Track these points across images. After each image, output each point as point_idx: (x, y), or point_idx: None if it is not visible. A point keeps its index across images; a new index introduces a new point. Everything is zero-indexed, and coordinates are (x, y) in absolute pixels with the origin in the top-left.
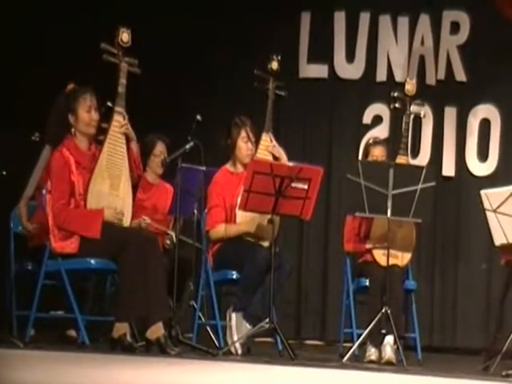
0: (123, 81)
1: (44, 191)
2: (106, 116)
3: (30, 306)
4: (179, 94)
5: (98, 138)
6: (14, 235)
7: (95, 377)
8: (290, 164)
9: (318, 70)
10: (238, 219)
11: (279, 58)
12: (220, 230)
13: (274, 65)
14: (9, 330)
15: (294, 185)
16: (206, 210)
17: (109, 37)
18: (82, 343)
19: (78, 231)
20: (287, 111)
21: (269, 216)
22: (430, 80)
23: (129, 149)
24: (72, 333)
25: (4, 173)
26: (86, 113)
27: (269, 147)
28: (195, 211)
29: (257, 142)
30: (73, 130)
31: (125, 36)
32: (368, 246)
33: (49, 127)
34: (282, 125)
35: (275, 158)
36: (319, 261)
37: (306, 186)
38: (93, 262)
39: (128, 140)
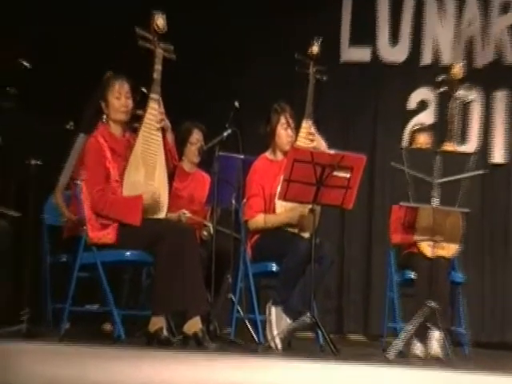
0: (159, 67)
1: (79, 180)
2: (142, 103)
3: (65, 300)
4: (216, 81)
5: (133, 125)
6: (47, 227)
7: (132, 372)
8: (332, 152)
9: (361, 54)
10: (277, 209)
11: (320, 41)
12: (259, 220)
13: (315, 49)
14: (44, 323)
15: (335, 173)
16: (244, 200)
17: (144, 22)
18: (117, 337)
19: (118, 218)
20: (328, 97)
21: (309, 206)
22: (478, 63)
23: (164, 138)
24: (108, 327)
25: (39, 162)
26: (115, 99)
27: (309, 135)
28: (233, 201)
29: (297, 129)
30: (104, 117)
31: (160, 21)
32: (416, 237)
33: (84, 116)
34: (322, 111)
35: (315, 147)
36: (362, 252)
37: (348, 175)
38: (128, 253)
39: (163, 129)
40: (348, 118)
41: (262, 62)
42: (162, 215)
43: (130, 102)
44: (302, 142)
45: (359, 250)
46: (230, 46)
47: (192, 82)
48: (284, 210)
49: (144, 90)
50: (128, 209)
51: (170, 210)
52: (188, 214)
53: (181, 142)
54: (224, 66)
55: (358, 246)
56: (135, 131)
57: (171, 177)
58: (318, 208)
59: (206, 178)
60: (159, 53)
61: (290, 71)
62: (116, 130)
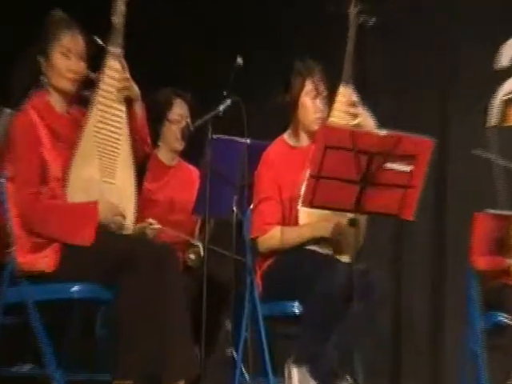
0: (121, 7)
1: (1, 178)
2: (97, 61)
3: None
4: (209, 28)
5: (83, 93)
6: None
7: None
8: (383, 133)
9: None
10: (300, 220)
11: None
12: (274, 235)
13: None
14: None
15: (389, 165)
16: (251, 206)
17: None
18: None
19: (60, 235)
20: (376, 51)
21: (349, 215)
22: None
23: (131, 113)
24: None
25: None
26: (61, 57)
27: (349, 107)
28: (235, 208)
29: (330, 100)
30: (43, 79)
31: None
32: (510, 261)
33: (13, 82)
34: (368, 74)
35: (358, 124)
36: (428, 282)
37: (408, 168)
38: (75, 288)
39: (129, 100)
40: (404, 85)
41: (278, 3)
42: (126, 230)
43: (82, 66)
44: (339, 118)
45: (423, 278)
46: None
47: (173, 29)
48: (311, 221)
49: (99, 40)
50: (74, 221)
51: (138, 221)
52: (156, 226)
53: (156, 119)
54: (223, 7)
55: (422, 274)
56: (86, 104)
57: (141, 172)
58: (362, 218)
59: (194, 173)
60: None
61: (319, 13)
62: (58, 102)
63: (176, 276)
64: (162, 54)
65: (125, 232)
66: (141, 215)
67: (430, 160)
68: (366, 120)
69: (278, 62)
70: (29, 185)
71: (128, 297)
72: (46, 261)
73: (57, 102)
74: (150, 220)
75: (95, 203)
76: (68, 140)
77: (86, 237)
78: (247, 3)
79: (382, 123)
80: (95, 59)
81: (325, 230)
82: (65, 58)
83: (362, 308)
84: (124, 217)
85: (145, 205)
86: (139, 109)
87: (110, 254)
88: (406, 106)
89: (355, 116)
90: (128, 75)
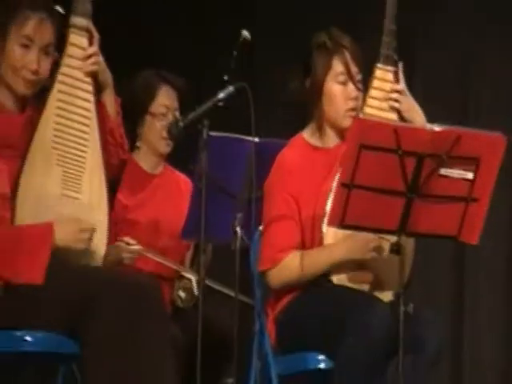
0: None
1: None
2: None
3: None
4: None
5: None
6: None
7: None
8: (436, 128)
9: None
10: (327, 242)
11: None
12: (290, 265)
13: None
14: None
15: (443, 171)
16: (261, 227)
17: None
18: None
19: (6, 270)
20: (429, 20)
21: (391, 238)
22: None
23: (101, 105)
24: None
25: None
26: (21, 48)
27: (391, 92)
28: (238, 228)
29: (366, 84)
30: None
31: None
32: None
33: None
34: (416, 55)
35: (403, 118)
36: (500, 327)
37: (470, 174)
38: (29, 338)
39: (99, 86)
40: (465, 67)
41: None
42: (95, 260)
43: (47, 65)
44: (377, 109)
45: (495, 322)
46: None
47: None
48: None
49: (59, 8)
50: (20, 253)
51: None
52: (135, 246)
53: (135, 111)
54: None
55: (494, 316)
56: (42, 94)
57: (114, 183)
58: (409, 242)
59: (185, 183)
60: None
61: None
62: (8, 99)
63: (159, 323)
64: (143, 25)
65: (92, 262)
66: (115, 237)
67: (502, 163)
68: (414, 112)
69: (293, 35)
70: None
71: (95, 350)
72: None
73: (6, 99)
74: (127, 239)
75: (49, 226)
76: (19, 146)
77: (34, 272)
78: None
79: (434, 116)
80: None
81: (361, 248)
82: (24, 49)
83: (410, 364)
84: (93, 230)
85: (120, 226)
86: (111, 100)
87: (71, 293)
88: (469, 94)
89: (398, 103)
90: (96, 49)
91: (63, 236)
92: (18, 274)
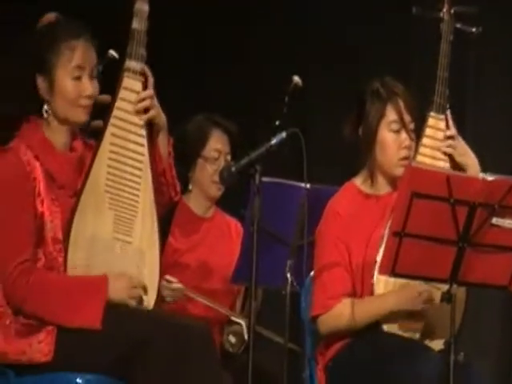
0: (143, 7)
1: None
2: (109, 79)
3: None
4: (260, 40)
5: (92, 122)
6: None
7: None
8: (489, 177)
9: None
10: (378, 292)
11: None
12: (341, 312)
13: None
14: None
15: (495, 221)
16: (312, 273)
17: None
18: None
19: (57, 318)
20: (482, 69)
21: (443, 287)
22: None
23: (154, 148)
24: None
25: None
26: (71, 80)
27: (444, 142)
28: (289, 275)
29: (418, 133)
30: (45, 108)
31: None
32: None
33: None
34: (469, 98)
35: (457, 166)
36: None
37: None
38: (79, 381)
39: (153, 128)
40: None
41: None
42: (148, 303)
43: (96, 86)
44: (429, 156)
45: None
46: None
47: (214, 38)
48: (391, 291)
49: (113, 52)
50: (76, 302)
51: None
52: (176, 285)
53: (188, 155)
54: (272, 11)
55: None
56: (95, 136)
57: (165, 225)
58: (460, 291)
59: (235, 227)
60: None
61: (401, 17)
62: (59, 136)
63: (209, 367)
64: (197, 72)
65: (144, 305)
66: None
67: None
68: (467, 157)
69: (347, 82)
70: (17, 252)
71: None
72: (39, 347)
73: (57, 137)
74: (168, 277)
75: (104, 279)
76: (71, 186)
77: (90, 317)
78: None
79: (488, 162)
80: (109, 76)
81: (412, 299)
82: (77, 81)
83: None
84: (145, 288)
85: (170, 270)
86: (165, 141)
87: (121, 337)
88: None
89: (451, 150)
90: (152, 92)
91: (114, 293)
92: (75, 319)
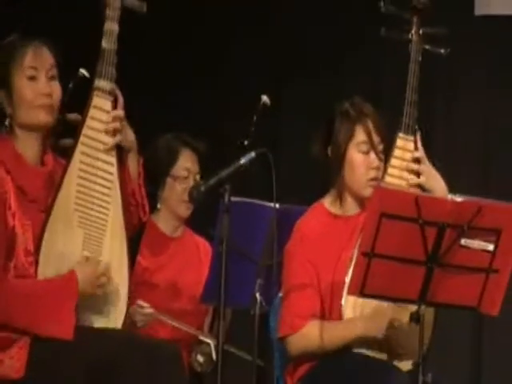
0: (112, 26)
1: None
2: (79, 99)
3: None
4: (224, 56)
5: (62, 142)
6: None
7: None
8: (458, 198)
9: None
10: (347, 314)
11: None
12: (310, 333)
13: None
14: None
15: (464, 242)
16: (280, 294)
17: None
18: None
19: (31, 323)
20: (449, 86)
21: (412, 307)
22: None
23: (123, 168)
24: None
25: None
26: (26, 81)
27: (412, 162)
28: (257, 295)
29: (387, 154)
30: (7, 122)
31: None
32: None
33: None
34: (437, 118)
35: (423, 186)
36: None
37: (490, 246)
38: None
39: (121, 150)
40: (488, 129)
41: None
42: (116, 321)
43: (57, 86)
44: (398, 176)
45: None
46: None
47: (182, 57)
48: (360, 315)
49: (84, 71)
50: (49, 304)
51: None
52: (147, 310)
53: (157, 174)
54: (241, 24)
55: None
56: (64, 154)
57: (134, 244)
58: (428, 313)
59: (204, 247)
60: None
61: (369, 38)
62: (29, 149)
63: None
64: (166, 90)
65: (112, 323)
66: (135, 300)
67: None
68: (435, 181)
69: (316, 102)
70: None
71: None
72: (11, 363)
73: (28, 151)
74: (140, 302)
75: (72, 273)
76: (42, 200)
77: (64, 326)
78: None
79: (457, 187)
80: (80, 96)
81: (378, 325)
82: (32, 82)
83: None
84: (108, 277)
85: (139, 288)
86: (135, 162)
87: (91, 355)
88: (489, 164)
89: (419, 174)
90: (122, 113)
91: (82, 278)
92: (46, 329)
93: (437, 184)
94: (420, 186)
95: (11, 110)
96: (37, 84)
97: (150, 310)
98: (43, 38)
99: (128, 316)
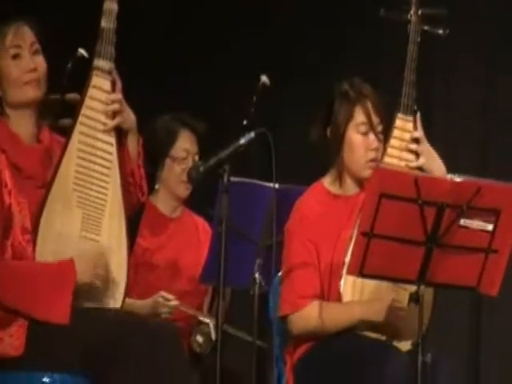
0: (111, 5)
1: None
2: (78, 78)
3: None
4: (228, 37)
5: (61, 121)
6: None
7: None
8: (457, 179)
9: None
10: (346, 294)
11: None
12: (311, 313)
13: None
14: None
15: (464, 222)
16: (280, 273)
17: None
18: None
19: (26, 307)
20: (449, 71)
21: (411, 288)
22: None
23: (122, 148)
24: None
25: None
26: (11, 60)
27: (411, 143)
28: (257, 275)
29: (386, 135)
30: None
31: None
32: None
33: None
34: (437, 102)
35: (421, 168)
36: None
37: (489, 226)
38: (47, 380)
39: (120, 131)
40: (487, 113)
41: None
42: (115, 302)
43: (42, 61)
44: (397, 158)
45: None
46: None
47: (181, 40)
48: (359, 295)
49: (82, 51)
50: (44, 289)
51: (131, 291)
52: (173, 302)
53: (156, 155)
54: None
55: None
56: (64, 134)
57: (134, 225)
58: (428, 293)
59: (203, 227)
60: None
61: (368, 18)
62: (22, 125)
63: (179, 368)
64: (166, 71)
65: (112, 304)
66: (135, 281)
67: None
68: (434, 162)
69: (315, 83)
70: None
71: None
72: (10, 341)
73: (23, 129)
74: (164, 293)
75: (70, 263)
76: (38, 177)
77: (60, 311)
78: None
79: (456, 167)
80: (80, 76)
81: (378, 307)
82: (16, 60)
83: None
84: (111, 283)
85: (139, 269)
86: (134, 142)
87: (90, 337)
88: (488, 145)
89: (419, 154)
90: (120, 96)
91: (80, 268)
92: (42, 312)
93: (435, 164)
94: (419, 167)
95: (0, 92)
96: (21, 61)
97: (175, 303)
98: (25, 17)
99: (152, 307)
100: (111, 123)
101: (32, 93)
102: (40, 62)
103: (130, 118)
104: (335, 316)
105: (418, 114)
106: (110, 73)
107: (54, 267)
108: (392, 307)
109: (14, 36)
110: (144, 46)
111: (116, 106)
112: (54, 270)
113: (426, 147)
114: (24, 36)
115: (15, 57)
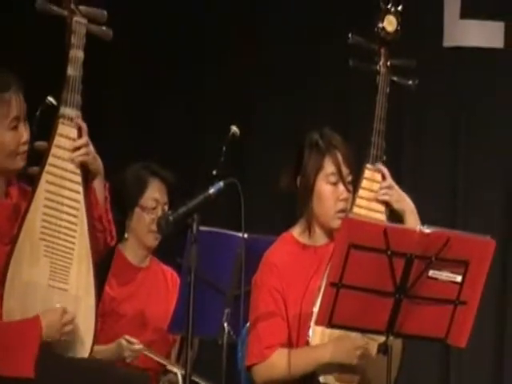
0: (77, 54)
1: None
2: (44, 125)
3: None
4: (193, 83)
5: (29, 169)
6: None
7: None
8: (426, 230)
9: (485, 34)
10: (314, 342)
11: (400, 8)
12: (277, 362)
13: (390, 22)
14: None
15: (432, 273)
16: (248, 324)
17: None
18: None
19: None
20: (418, 119)
21: (379, 338)
22: None
23: (90, 193)
24: None
25: None
26: (9, 132)
27: (380, 192)
28: (225, 325)
29: (355, 185)
30: None
31: None
32: None
33: None
34: (407, 144)
35: (395, 213)
36: None
37: (458, 277)
38: None
39: (88, 175)
40: (459, 159)
41: (277, 48)
42: (83, 350)
43: (27, 129)
44: (365, 208)
45: None
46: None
47: (148, 84)
48: (327, 341)
49: (51, 99)
50: (11, 348)
51: (98, 340)
52: (137, 346)
53: (126, 204)
54: (203, 56)
55: None
56: (32, 182)
57: (103, 271)
58: (396, 343)
59: (172, 277)
60: (77, 24)
61: (338, 68)
62: None
63: None
64: (136, 119)
65: (80, 354)
66: (103, 331)
67: (492, 267)
68: (404, 202)
69: (286, 132)
70: None
71: None
72: None
73: None
74: (128, 337)
75: (36, 320)
76: (6, 233)
77: (25, 365)
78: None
79: (427, 217)
80: (45, 122)
81: (348, 353)
82: (14, 131)
83: None
84: (79, 332)
85: (106, 318)
86: (101, 187)
87: None
88: (459, 183)
89: (388, 204)
90: (86, 138)
91: (47, 324)
92: (8, 368)
93: (407, 206)
94: (390, 210)
95: None
96: (17, 133)
97: (139, 346)
98: (17, 81)
99: (116, 351)
100: (78, 157)
101: (22, 164)
102: (28, 131)
103: (96, 161)
104: (302, 359)
105: (383, 162)
106: (75, 119)
107: (18, 325)
108: (360, 347)
109: (17, 106)
110: (114, 95)
111: (83, 151)
112: (19, 328)
113: (396, 191)
114: (22, 105)
115: (14, 128)
